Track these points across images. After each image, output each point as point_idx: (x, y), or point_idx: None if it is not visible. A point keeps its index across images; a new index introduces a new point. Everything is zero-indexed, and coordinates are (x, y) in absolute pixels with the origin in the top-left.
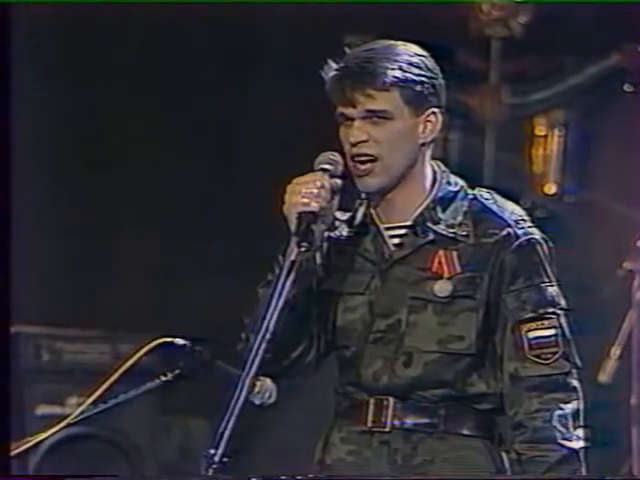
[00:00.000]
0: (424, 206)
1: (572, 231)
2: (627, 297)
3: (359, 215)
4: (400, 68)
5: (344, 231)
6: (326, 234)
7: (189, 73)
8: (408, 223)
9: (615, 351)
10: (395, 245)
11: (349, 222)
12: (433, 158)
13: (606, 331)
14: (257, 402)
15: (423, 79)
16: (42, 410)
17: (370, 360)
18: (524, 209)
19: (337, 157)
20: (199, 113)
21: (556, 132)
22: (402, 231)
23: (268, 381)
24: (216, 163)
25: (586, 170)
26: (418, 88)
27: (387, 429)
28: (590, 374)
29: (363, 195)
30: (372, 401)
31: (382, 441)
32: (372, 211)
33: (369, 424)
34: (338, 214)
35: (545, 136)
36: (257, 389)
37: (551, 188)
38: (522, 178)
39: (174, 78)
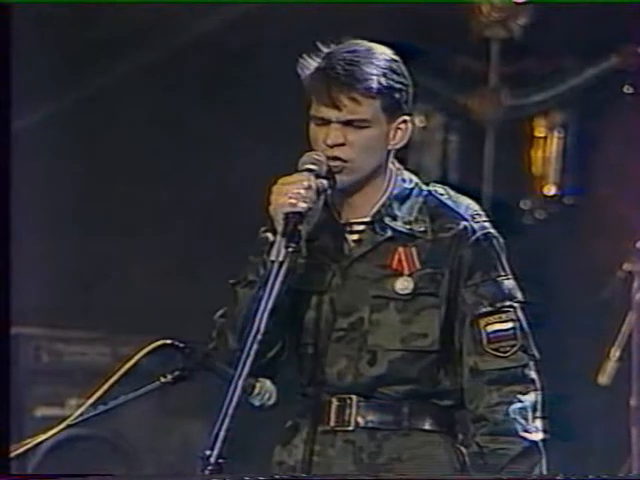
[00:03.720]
0: (381, 203)
1: (571, 232)
2: (627, 298)
3: (316, 212)
4: (384, 75)
5: (302, 228)
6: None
7: (188, 72)
8: (366, 220)
9: (615, 352)
10: (354, 242)
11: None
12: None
13: (606, 332)
14: (257, 403)
15: (401, 86)
16: (42, 411)
17: (334, 359)
18: (523, 211)
19: (321, 157)
20: (197, 112)
21: (555, 133)
22: (361, 227)
23: (267, 382)
24: (217, 164)
25: (585, 171)
26: (397, 96)
27: (351, 428)
28: (590, 375)
29: (324, 195)
30: (335, 400)
31: (346, 440)
32: (331, 208)
33: (332, 423)
34: None
35: (544, 137)
36: (257, 390)
37: (550, 189)
38: (522, 179)
39: (173, 77)
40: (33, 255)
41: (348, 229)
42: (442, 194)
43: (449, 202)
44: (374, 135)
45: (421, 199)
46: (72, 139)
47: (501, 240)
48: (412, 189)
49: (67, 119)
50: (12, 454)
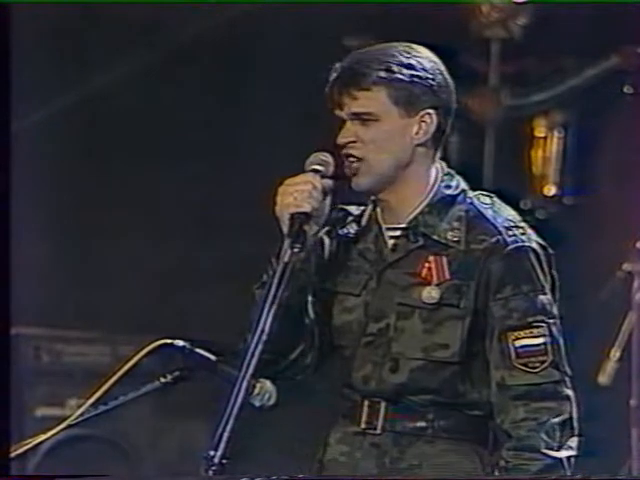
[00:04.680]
0: (419, 210)
1: (571, 232)
2: (627, 299)
3: (367, 213)
4: (387, 68)
5: (352, 229)
6: (335, 231)
7: (188, 73)
8: (403, 226)
9: (615, 353)
10: (391, 247)
11: (358, 220)
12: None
13: (606, 333)
14: (257, 404)
15: (415, 79)
16: (42, 411)
17: (361, 363)
18: (523, 211)
19: (328, 158)
20: (198, 114)
21: (555, 133)
22: (397, 233)
23: (268, 383)
24: (216, 164)
25: (585, 171)
26: (409, 88)
27: (378, 431)
28: (590, 376)
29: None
30: (366, 403)
31: (373, 443)
32: (377, 210)
33: (363, 425)
34: (352, 209)
35: (544, 137)
36: (257, 391)
37: (550, 189)
38: (522, 179)
39: (173, 77)
40: (33, 255)
41: (389, 234)
42: (485, 203)
43: (489, 212)
44: (385, 130)
45: (464, 207)
46: (72, 139)
47: (542, 254)
48: (456, 196)
49: (67, 119)
50: (12, 454)
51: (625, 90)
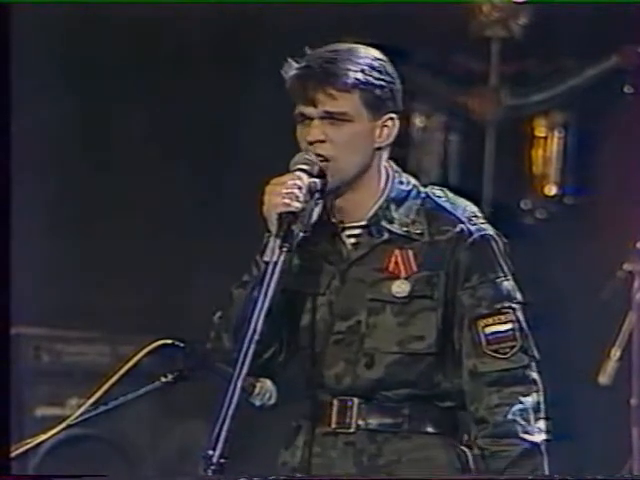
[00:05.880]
0: (377, 206)
1: (571, 232)
2: (627, 299)
3: (315, 215)
4: (362, 71)
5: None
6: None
7: (187, 73)
8: (363, 223)
9: (615, 352)
10: (352, 245)
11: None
12: (390, 157)
13: (606, 333)
14: (257, 403)
15: (382, 83)
16: (42, 411)
17: (332, 362)
18: (523, 211)
19: (313, 157)
20: (196, 113)
21: (556, 133)
22: (357, 231)
23: (268, 382)
24: (214, 163)
25: (586, 171)
26: (377, 92)
27: (351, 430)
28: (590, 376)
29: (317, 195)
30: (336, 402)
31: (347, 442)
32: (329, 211)
33: (333, 425)
34: None
35: (545, 137)
36: (257, 390)
37: (551, 189)
38: (522, 179)
39: (172, 79)
40: (33, 255)
41: (346, 233)
42: (440, 196)
43: (446, 204)
44: (356, 131)
45: (419, 201)
46: (72, 139)
47: (500, 241)
48: (410, 191)
49: (67, 119)
50: (12, 454)
51: (625, 90)
